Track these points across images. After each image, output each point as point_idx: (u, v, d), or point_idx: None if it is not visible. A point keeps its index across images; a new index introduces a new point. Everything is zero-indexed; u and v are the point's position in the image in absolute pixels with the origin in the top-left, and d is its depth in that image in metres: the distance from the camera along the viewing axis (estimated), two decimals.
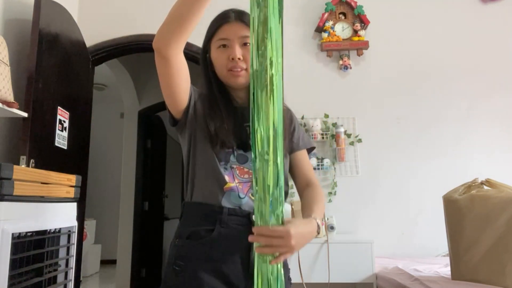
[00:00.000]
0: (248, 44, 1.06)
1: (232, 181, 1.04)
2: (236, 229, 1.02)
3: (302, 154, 1.18)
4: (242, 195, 1.04)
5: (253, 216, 1.04)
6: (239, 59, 1.05)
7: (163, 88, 1.02)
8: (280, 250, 0.81)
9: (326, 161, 2.92)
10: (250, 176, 1.06)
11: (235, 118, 1.09)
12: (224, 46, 1.07)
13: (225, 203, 1.03)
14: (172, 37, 0.93)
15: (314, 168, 2.92)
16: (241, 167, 1.06)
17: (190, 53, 2.52)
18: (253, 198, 1.06)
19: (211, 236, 1.01)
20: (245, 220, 1.03)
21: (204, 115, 1.07)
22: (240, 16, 1.08)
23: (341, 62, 3.06)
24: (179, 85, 1.02)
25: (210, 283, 0.98)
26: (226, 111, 1.08)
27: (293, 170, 1.17)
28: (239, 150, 1.06)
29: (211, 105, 1.09)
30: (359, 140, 2.99)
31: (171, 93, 1.03)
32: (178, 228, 1.09)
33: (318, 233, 0.97)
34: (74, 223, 1.81)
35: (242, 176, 1.06)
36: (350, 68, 3.06)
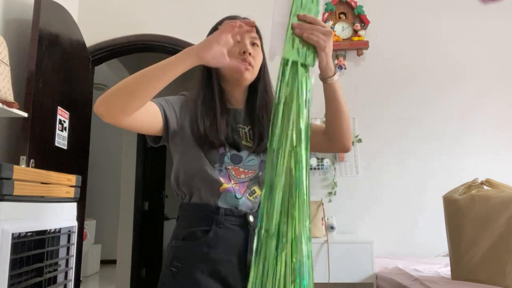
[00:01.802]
0: (256, 45, 1.08)
1: (227, 182, 1.04)
2: (233, 230, 1.02)
3: None
4: (238, 196, 1.04)
5: (250, 217, 1.04)
6: (249, 53, 1.05)
7: None
8: (317, 37, 0.92)
9: (326, 161, 2.92)
10: (246, 176, 1.06)
11: (228, 119, 1.09)
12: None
13: (222, 203, 1.03)
14: (116, 111, 0.89)
15: (314, 168, 2.92)
16: (236, 167, 1.06)
17: None
18: (250, 198, 1.06)
19: (208, 237, 1.01)
20: (242, 220, 1.03)
21: (195, 118, 1.06)
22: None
23: (336, 62, 3.06)
24: (144, 127, 1.00)
25: (206, 284, 0.98)
26: (220, 111, 1.07)
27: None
28: (233, 150, 1.06)
29: (205, 103, 1.08)
30: (359, 140, 2.99)
31: (140, 132, 1.02)
32: (175, 229, 1.09)
33: (333, 75, 1.01)
34: (74, 223, 1.81)
35: (238, 176, 1.06)
36: (345, 68, 3.06)
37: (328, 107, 1.06)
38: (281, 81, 0.92)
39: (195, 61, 0.91)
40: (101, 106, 0.89)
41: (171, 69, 0.90)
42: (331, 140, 1.10)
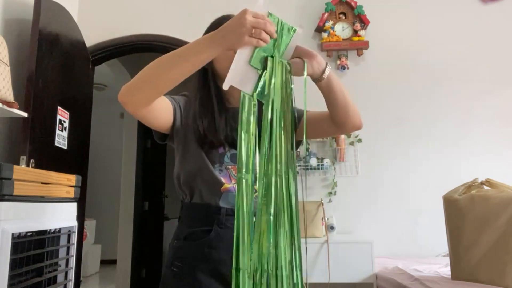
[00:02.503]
0: None
1: (228, 182, 1.04)
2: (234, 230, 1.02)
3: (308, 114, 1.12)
4: None
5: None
6: None
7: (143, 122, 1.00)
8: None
9: (326, 161, 2.92)
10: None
11: (227, 118, 1.08)
12: None
13: (223, 203, 1.03)
14: (140, 99, 0.88)
15: (314, 168, 2.92)
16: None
17: None
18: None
19: (209, 237, 1.01)
20: None
21: (194, 118, 1.06)
22: None
23: (338, 62, 3.06)
24: (157, 120, 1.00)
25: (208, 284, 0.98)
26: (218, 111, 1.07)
27: (313, 124, 1.09)
28: (232, 150, 1.06)
29: (203, 104, 1.08)
30: (359, 140, 2.99)
31: (152, 126, 1.02)
32: (176, 229, 1.09)
33: (325, 67, 0.96)
34: (74, 223, 1.81)
35: None
36: (348, 68, 3.06)
37: (328, 102, 1.01)
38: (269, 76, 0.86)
39: (220, 50, 0.83)
40: (125, 95, 0.88)
41: (197, 57, 0.84)
42: (341, 125, 1.05)
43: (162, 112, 1.00)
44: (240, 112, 0.83)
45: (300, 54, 0.93)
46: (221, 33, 0.81)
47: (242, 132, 0.82)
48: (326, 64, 0.97)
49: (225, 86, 0.84)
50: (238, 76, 0.85)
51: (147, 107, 0.91)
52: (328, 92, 0.99)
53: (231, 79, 0.83)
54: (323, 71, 0.95)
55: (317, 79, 0.96)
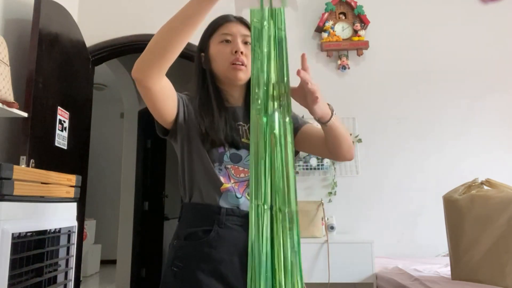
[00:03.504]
0: (248, 43, 1.08)
1: (227, 181, 1.04)
2: (234, 229, 1.02)
3: (307, 127, 1.15)
4: (238, 195, 1.04)
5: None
6: (241, 53, 1.05)
7: (150, 109, 1.01)
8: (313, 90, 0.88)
9: (326, 161, 2.92)
10: (246, 175, 1.06)
11: (227, 117, 1.09)
12: (227, 41, 1.09)
13: (223, 203, 1.03)
14: (153, 69, 0.90)
15: (314, 168, 2.92)
16: (236, 166, 1.06)
17: (190, 53, 2.52)
18: (249, 198, 1.06)
19: (209, 237, 1.01)
20: (243, 220, 1.02)
21: (196, 116, 1.07)
22: (240, 18, 1.10)
23: (339, 62, 3.06)
24: (165, 105, 1.01)
25: (208, 284, 0.98)
26: (218, 110, 1.08)
27: (310, 141, 1.13)
28: (232, 149, 1.06)
29: (203, 104, 1.08)
30: (359, 140, 2.99)
31: (158, 113, 1.02)
32: (177, 229, 1.09)
33: (330, 118, 0.98)
34: (74, 223, 1.81)
35: (237, 175, 1.06)
36: (348, 68, 3.06)
37: (328, 141, 1.05)
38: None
39: None
40: (138, 68, 0.90)
41: (193, 14, 0.85)
42: (333, 154, 1.09)
43: (169, 99, 1.01)
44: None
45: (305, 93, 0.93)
46: None
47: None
48: (332, 111, 0.98)
49: (238, 12, 0.82)
50: None
51: (159, 82, 0.92)
52: (328, 132, 1.02)
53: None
54: (329, 119, 0.98)
55: (322, 123, 0.99)
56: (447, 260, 2.15)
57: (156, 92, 0.95)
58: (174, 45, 0.87)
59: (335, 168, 2.96)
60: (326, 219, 2.69)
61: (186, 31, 0.86)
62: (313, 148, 1.15)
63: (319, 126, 1.06)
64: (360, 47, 3.07)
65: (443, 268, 2.21)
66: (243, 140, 1.08)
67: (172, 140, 1.11)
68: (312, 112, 0.94)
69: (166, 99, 1.00)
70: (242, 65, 1.06)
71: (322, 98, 0.92)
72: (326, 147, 1.08)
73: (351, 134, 2.97)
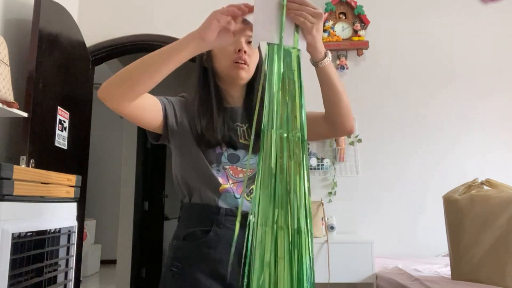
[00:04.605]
0: (251, 43, 1.07)
1: (226, 182, 1.04)
2: (233, 230, 1.02)
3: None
4: (237, 195, 1.04)
5: (251, 217, 1.03)
6: (245, 52, 1.05)
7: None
8: (304, 18, 0.85)
9: (326, 161, 2.92)
10: (245, 175, 1.06)
11: (225, 117, 1.08)
12: None
13: (222, 204, 1.03)
14: (118, 96, 0.89)
15: (314, 168, 2.92)
16: (234, 167, 1.06)
17: None
18: (247, 198, 1.06)
19: (208, 237, 1.01)
20: (242, 220, 1.03)
21: (193, 118, 1.06)
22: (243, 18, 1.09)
23: (338, 62, 3.06)
24: (145, 117, 1.00)
25: (207, 285, 0.98)
26: (217, 110, 1.07)
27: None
28: (230, 150, 1.06)
29: (202, 102, 1.08)
30: (359, 140, 2.99)
31: (142, 125, 1.01)
32: (176, 230, 1.09)
33: (323, 57, 0.95)
34: (74, 223, 1.81)
35: (236, 176, 1.06)
36: (347, 68, 3.06)
37: (324, 91, 1.02)
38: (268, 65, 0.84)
39: (198, 44, 0.87)
40: (104, 90, 0.89)
41: (174, 55, 0.87)
42: (333, 125, 1.07)
43: (148, 111, 0.99)
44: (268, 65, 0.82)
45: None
46: (197, 28, 0.87)
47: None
48: (326, 50, 0.96)
49: (255, 44, 0.87)
50: (267, 25, 0.85)
51: (128, 105, 0.91)
52: (325, 80, 1.00)
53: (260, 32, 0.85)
54: (324, 57, 0.95)
55: (316, 62, 0.96)
56: (447, 260, 2.15)
57: (129, 112, 0.93)
58: (148, 76, 0.87)
59: (335, 168, 2.96)
60: (326, 219, 2.69)
61: (166, 65, 0.87)
62: (309, 130, 1.13)
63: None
64: (360, 47, 3.07)
65: (443, 268, 2.21)
66: (240, 141, 1.08)
67: (166, 143, 1.11)
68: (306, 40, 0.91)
69: (143, 113, 0.98)
70: (245, 64, 1.06)
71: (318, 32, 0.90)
72: (322, 119, 1.06)
73: (350, 134, 2.97)
